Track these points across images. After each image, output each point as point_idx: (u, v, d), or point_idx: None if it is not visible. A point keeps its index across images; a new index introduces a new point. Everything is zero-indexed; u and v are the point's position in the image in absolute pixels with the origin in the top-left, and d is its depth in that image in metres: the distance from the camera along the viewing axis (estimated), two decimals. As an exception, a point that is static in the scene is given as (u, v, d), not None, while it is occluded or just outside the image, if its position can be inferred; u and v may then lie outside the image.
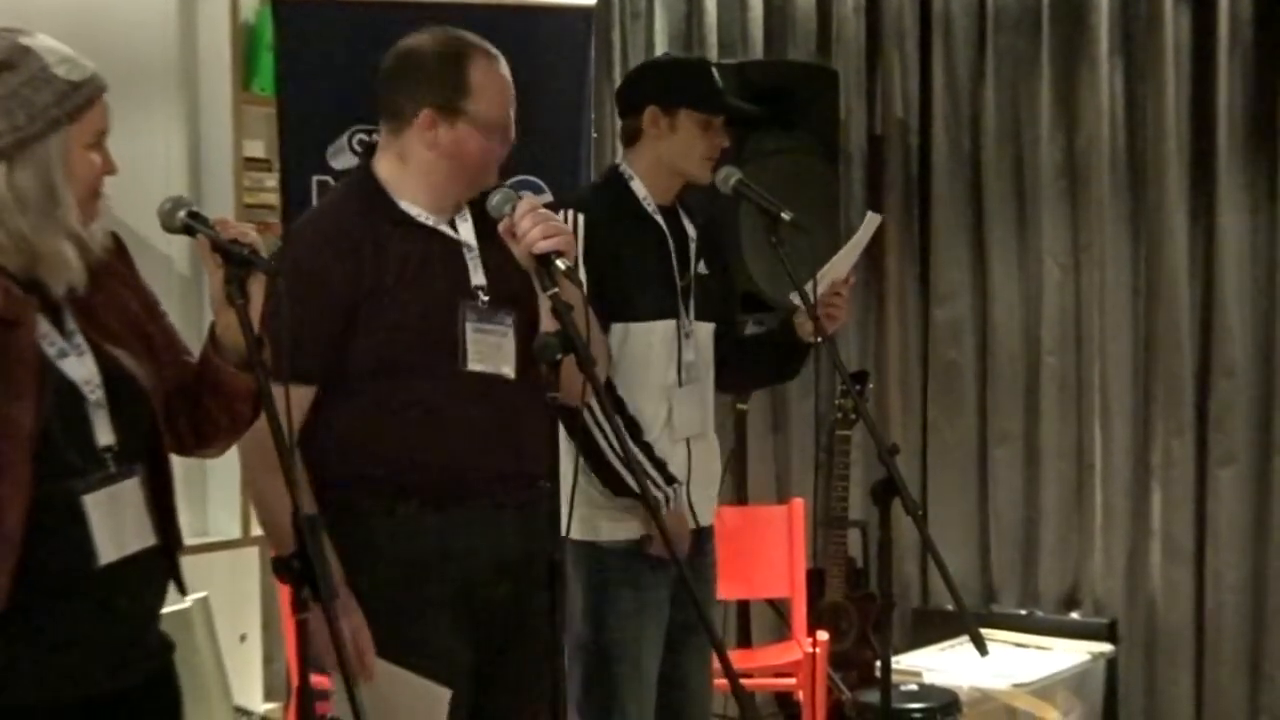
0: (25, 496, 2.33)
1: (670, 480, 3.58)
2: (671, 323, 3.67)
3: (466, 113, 3.04)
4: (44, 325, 2.42)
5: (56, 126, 2.39)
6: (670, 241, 3.69)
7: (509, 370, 3.04)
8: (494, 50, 3.10)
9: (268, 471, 2.64)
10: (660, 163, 3.69)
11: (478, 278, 3.07)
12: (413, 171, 3.09)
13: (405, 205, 3.07)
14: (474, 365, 3.02)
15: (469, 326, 3.03)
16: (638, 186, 3.69)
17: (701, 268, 3.75)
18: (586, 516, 3.61)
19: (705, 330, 3.75)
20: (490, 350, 3.03)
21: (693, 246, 3.73)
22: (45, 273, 2.41)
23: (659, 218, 3.69)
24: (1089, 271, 5.61)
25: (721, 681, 3.72)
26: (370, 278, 2.99)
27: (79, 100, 2.41)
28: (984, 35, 5.77)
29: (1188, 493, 5.43)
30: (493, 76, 3.07)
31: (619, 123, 3.80)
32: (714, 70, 3.79)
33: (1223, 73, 5.33)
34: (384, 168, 3.12)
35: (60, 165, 2.40)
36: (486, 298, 3.05)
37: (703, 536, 3.76)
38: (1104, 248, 5.55)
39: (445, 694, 2.95)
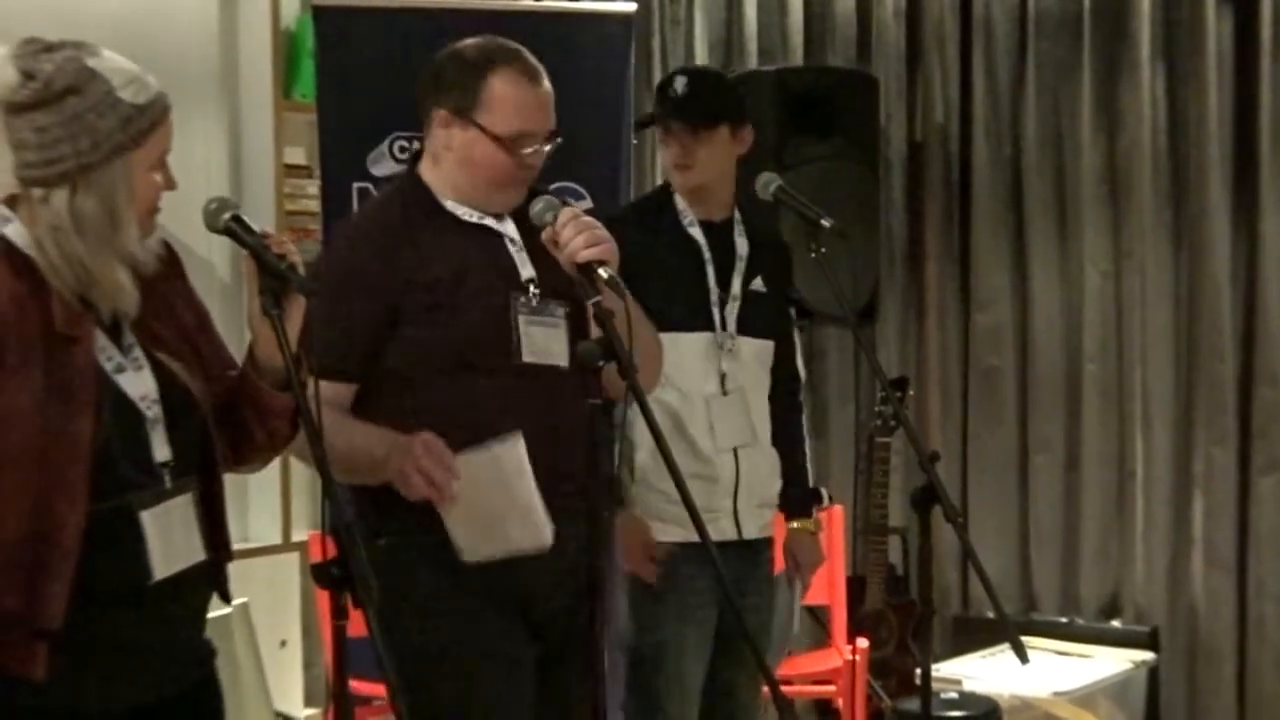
0: (83, 512, 2.33)
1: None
2: (704, 335, 3.67)
3: (476, 122, 3.02)
4: (102, 340, 2.42)
5: (121, 152, 2.37)
6: (708, 255, 3.69)
7: (563, 361, 3.03)
8: (534, 65, 3.06)
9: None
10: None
11: (527, 271, 3.06)
12: (444, 171, 3.09)
13: (449, 204, 3.08)
14: (529, 358, 3.01)
15: (521, 319, 3.02)
16: (679, 201, 3.72)
17: (758, 285, 3.74)
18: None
19: (751, 345, 3.74)
20: (544, 342, 3.02)
21: (740, 264, 3.73)
22: (98, 296, 2.40)
23: (695, 231, 3.71)
24: (1130, 278, 5.58)
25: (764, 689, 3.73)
26: (412, 273, 2.98)
27: (143, 124, 2.40)
28: (1025, 41, 5.75)
29: (1230, 500, 5.38)
30: (514, 91, 3.02)
31: (659, 129, 3.80)
32: (672, 80, 3.79)
33: (1265, 76, 5.29)
34: (425, 169, 3.13)
35: (123, 190, 2.38)
36: (537, 290, 3.04)
37: (753, 549, 3.74)
38: (1145, 254, 5.51)
39: (516, 440, 2.91)
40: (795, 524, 3.93)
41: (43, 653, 2.33)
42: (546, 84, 3.07)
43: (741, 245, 3.76)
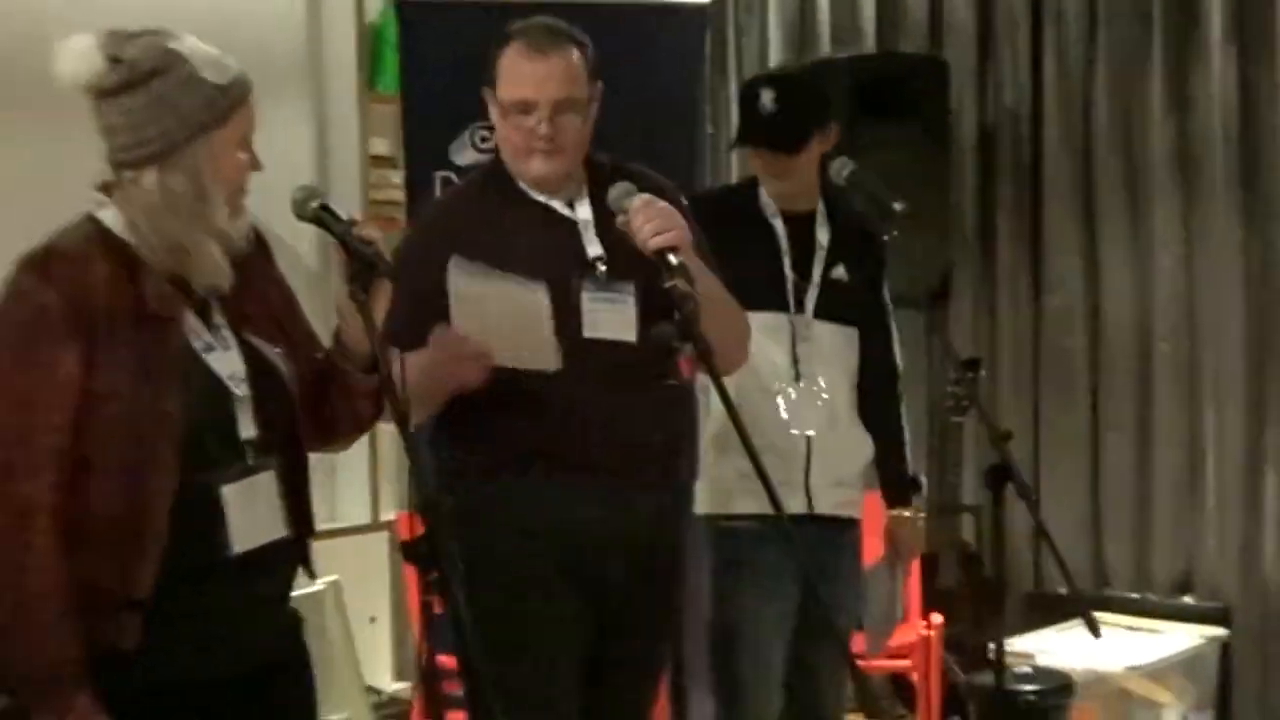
0: (172, 487, 2.37)
1: None
2: (776, 315, 3.65)
3: (496, 96, 3.09)
4: (192, 320, 2.45)
5: (205, 130, 2.41)
6: (785, 245, 3.68)
7: (630, 335, 3.05)
8: (544, 39, 3.07)
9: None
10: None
11: (594, 249, 3.08)
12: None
13: (524, 185, 3.12)
14: (590, 332, 3.03)
15: (585, 295, 3.05)
16: (763, 192, 3.71)
17: (840, 273, 3.72)
18: (716, 492, 3.63)
19: (831, 330, 3.73)
20: (609, 318, 3.04)
21: (820, 252, 3.71)
22: (193, 272, 2.44)
23: (776, 221, 3.70)
24: (1201, 258, 5.52)
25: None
26: (480, 247, 3.01)
27: (226, 104, 2.43)
28: (1095, 24, 5.69)
29: (1302, 478, 5.33)
30: (517, 62, 3.06)
31: (734, 117, 3.79)
32: (760, 93, 3.73)
33: (1337, 57, 5.22)
34: None
35: (209, 167, 2.42)
36: (604, 269, 3.06)
37: (833, 529, 3.71)
38: (1216, 235, 5.45)
39: (538, 295, 2.97)
40: (894, 511, 3.92)
41: (132, 624, 2.37)
42: (556, 57, 3.05)
43: (823, 235, 3.74)
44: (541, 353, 2.96)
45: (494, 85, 3.08)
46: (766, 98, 3.71)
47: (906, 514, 3.92)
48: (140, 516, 2.35)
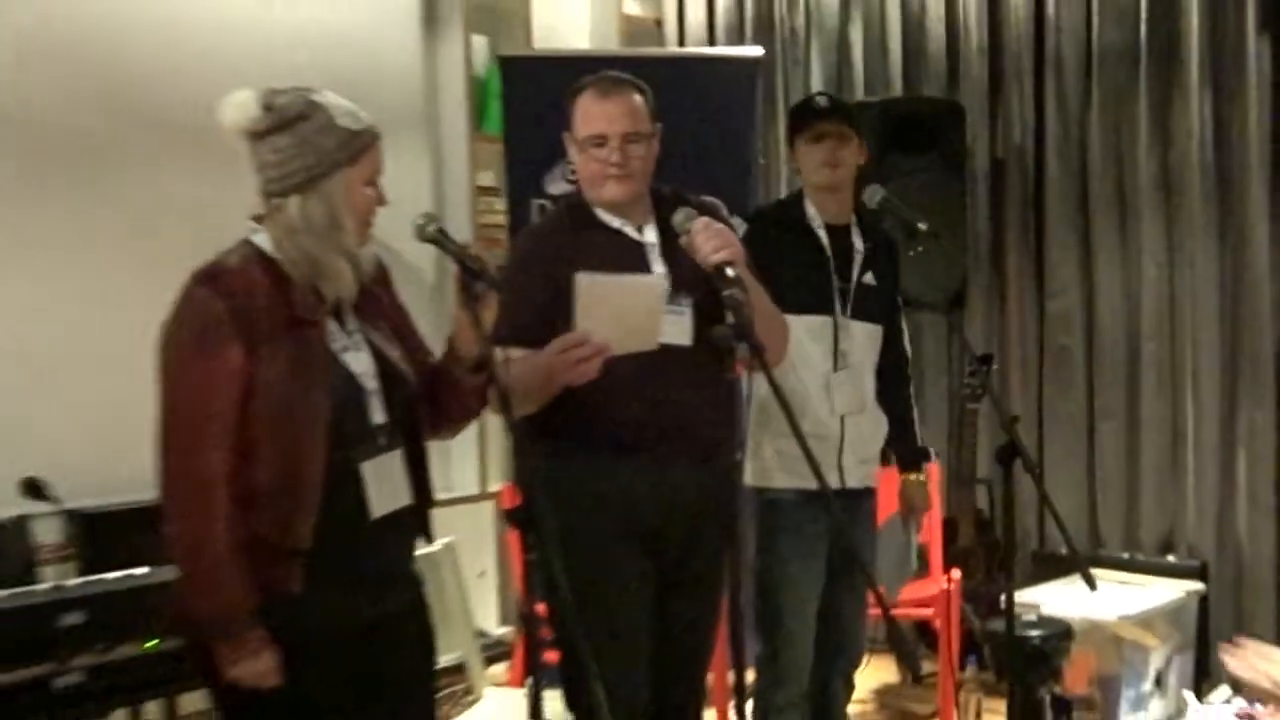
0: (323, 462, 2.41)
1: None
2: (822, 318, 3.65)
3: (575, 136, 3.10)
4: (331, 325, 2.49)
5: (339, 167, 2.45)
6: (829, 251, 3.67)
7: (686, 341, 3.05)
8: (610, 85, 3.09)
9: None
10: (809, 186, 3.70)
11: (658, 268, 3.09)
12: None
13: (599, 212, 3.13)
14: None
15: None
16: (809, 205, 3.70)
17: (870, 279, 3.71)
18: (760, 469, 3.63)
19: (863, 328, 3.72)
20: (670, 325, 3.04)
21: (858, 259, 3.70)
22: (323, 283, 2.47)
23: (821, 232, 3.68)
24: (1182, 269, 5.45)
25: (874, 611, 3.72)
26: (564, 265, 3.01)
27: (357, 146, 2.47)
28: (1090, 70, 5.64)
29: (1269, 454, 5.26)
30: (591, 104, 3.08)
31: (784, 150, 3.78)
32: (814, 98, 3.76)
33: (1299, 97, 5.14)
34: None
35: (341, 198, 2.46)
36: (667, 284, 3.06)
37: (857, 497, 3.73)
38: (1195, 249, 5.39)
39: (657, 280, 2.93)
40: (908, 476, 3.92)
41: (297, 570, 2.41)
42: (620, 98, 3.07)
43: (858, 243, 3.74)
44: (650, 334, 2.93)
45: (572, 128, 3.10)
46: (820, 99, 3.75)
47: (920, 478, 3.92)
48: (297, 484, 2.40)
